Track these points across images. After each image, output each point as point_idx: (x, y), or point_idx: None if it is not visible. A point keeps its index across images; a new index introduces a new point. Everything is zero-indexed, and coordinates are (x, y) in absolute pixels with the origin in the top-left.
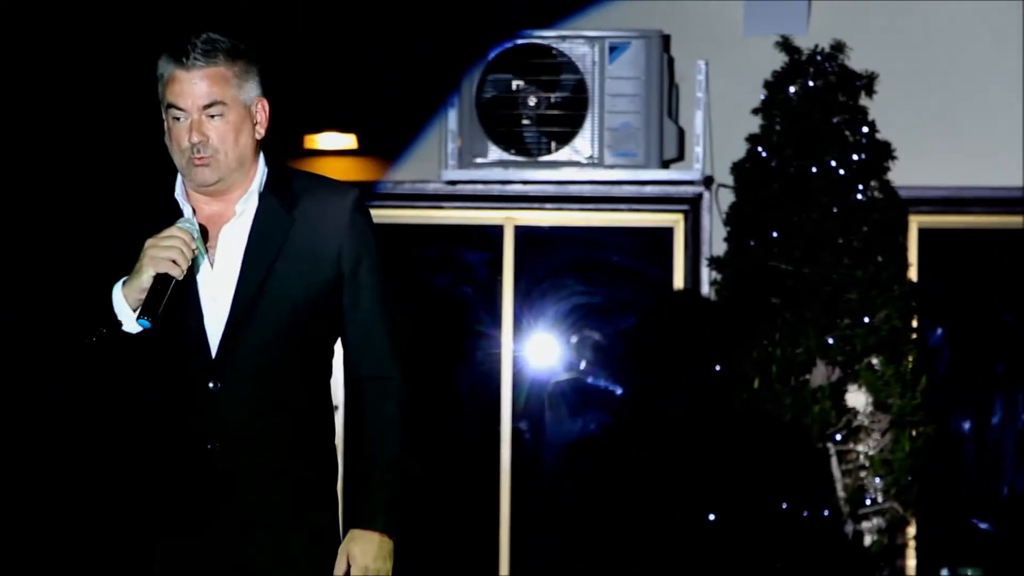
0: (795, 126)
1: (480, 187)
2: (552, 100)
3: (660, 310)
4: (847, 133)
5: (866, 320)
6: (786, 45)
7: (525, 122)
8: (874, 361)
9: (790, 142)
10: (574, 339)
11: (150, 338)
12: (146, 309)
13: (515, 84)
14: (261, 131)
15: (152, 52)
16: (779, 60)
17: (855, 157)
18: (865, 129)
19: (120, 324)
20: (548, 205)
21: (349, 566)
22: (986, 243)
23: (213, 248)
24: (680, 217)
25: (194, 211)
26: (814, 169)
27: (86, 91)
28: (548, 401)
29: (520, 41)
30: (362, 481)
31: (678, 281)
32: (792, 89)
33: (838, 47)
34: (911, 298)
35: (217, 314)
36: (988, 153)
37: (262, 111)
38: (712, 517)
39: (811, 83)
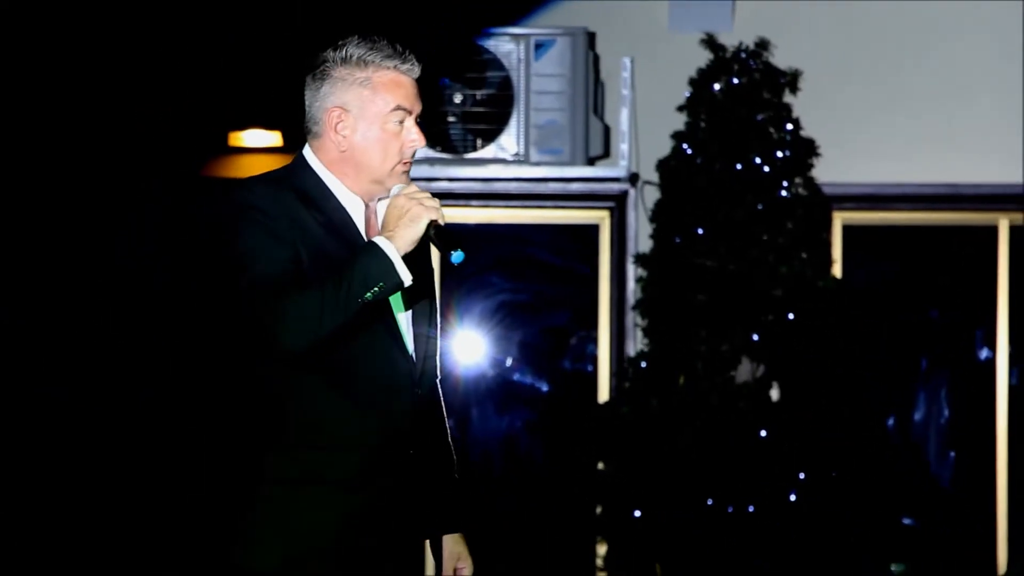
0: (720, 123)
1: None
2: (478, 97)
3: (586, 306)
4: (772, 130)
5: (791, 316)
6: (711, 43)
7: (451, 119)
8: None
9: (715, 139)
10: (501, 336)
11: (369, 341)
12: (452, 244)
13: (441, 82)
14: None
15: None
16: (704, 57)
17: (780, 154)
18: (789, 126)
19: (398, 277)
20: (474, 202)
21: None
22: (910, 239)
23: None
24: (606, 214)
25: (366, 217)
26: (739, 166)
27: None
28: (475, 398)
29: (446, 38)
30: (449, 485)
31: (604, 278)
32: (717, 86)
33: (763, 45)
34: (836, 294)
35: (407, 323)
36: (911, 150)
37: None
38: (638, 513)
39: (736, 80)
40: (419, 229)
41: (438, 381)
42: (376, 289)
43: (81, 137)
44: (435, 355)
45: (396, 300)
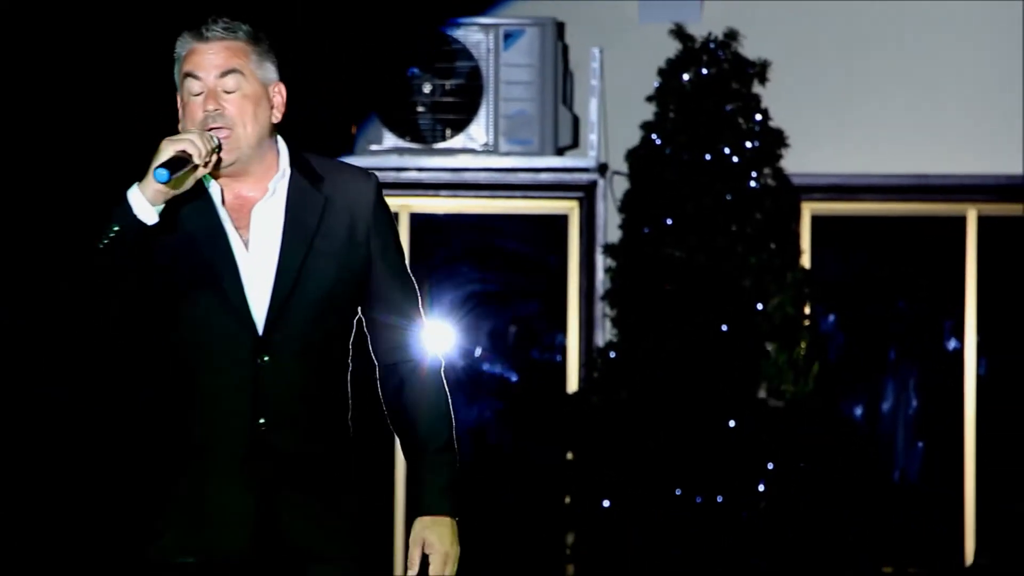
0: (689, 114)
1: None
2: (447, 87)
3: (555, 297)
4: (740, 121)
5: (759, 307)
6: (680, 33)
7: (420, 109)
8: (768, 348)
9: (684, 130)
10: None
11: (193, 313)
12: (165, 164)
13: (410, 72)
14: (278, 115)
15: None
16: (673, 48)
17: (748, 145)
18: (758, 117)
19: (136, 219)
20: (443, 192)
21: (424, 555)
22: (877, 230)
23: (246, 229)
24: (575, 204)
25: (221, 191)
26: (708, 156)
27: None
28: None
29: (415, 29)
30: (420, 467)
31: (573, 268)
32: (686, 77)
33: (731, 35)
34: (804, 285)
35: (259, 290)
36: (878, 140)
37: (279, 95)
38: (607, 503)
39: (705, 71)
40: (157, 163)
41: (404, 361)
42: (112, 232)
43: (67, 135)
44: (324, 319)
45: (232, 261)
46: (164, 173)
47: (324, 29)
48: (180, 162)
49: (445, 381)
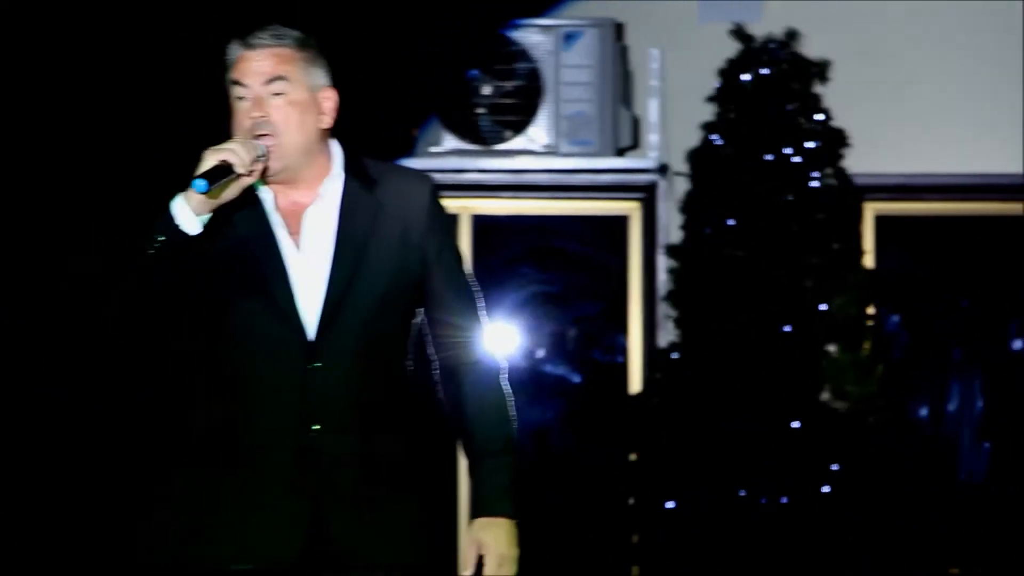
0: (750, 114)
1: (435, 176)
2: (507, 89)
3: (616, 298)
4: (801, 121)
5: (822, 308)
6: (740, 33)
7: (480, 111)
8: (831, 349)
9: (745, 130)
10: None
11: (242, 319)
12: (204, 175)
13: (470, 74)
14: (328, 121)
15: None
16: (733, 48)
17: (810, 145)
18: (819, 117)
19: (179, 230)
20: (504, 194)
21: (480, 556)
22: (942, 229)
23: (298, 234)
24: (636, 205)
25: (275, 197)
26: (769, 157)
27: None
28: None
29: (475, 31)
30: (479, 467)
31: (634, 269)
32: (746, 77)
33: (792, 35)
34: (867, 285)
35: (311, 295)
36: (942, 140)
37: (329, 100)
38: (671, 505)
39: (765, 71)
40: (198, 173)
41: (464, 362)
42: (159, 242)
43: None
44: (374, 324)
45: (282, 266)
46: (203, 184)
47: (384, 32)
48: (221, 172)
49: (507, 383)
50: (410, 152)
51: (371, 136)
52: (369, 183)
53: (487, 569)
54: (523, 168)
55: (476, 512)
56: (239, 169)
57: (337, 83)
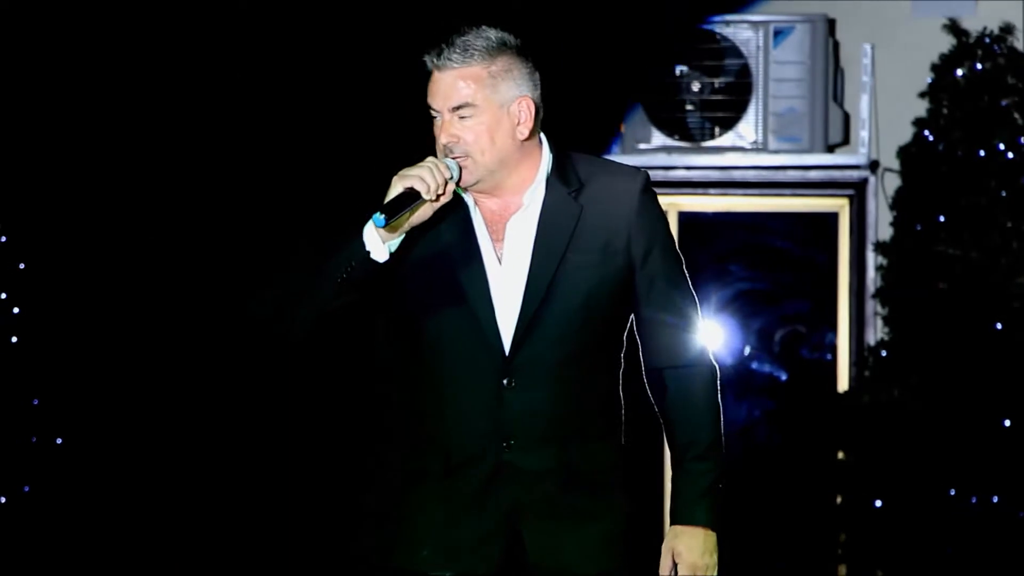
0: (963, 109)
1: None
2: (716, 85)
3: (825, 295)
4: (1016, 116)
5: None
6: (954, 28)
7: (689, 108)
8: None
9: (957, 125)
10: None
11: (440, 331)
12: (384, 208)
13: (679, 70)
14: (524, 131)
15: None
16: (946, 43)
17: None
18: None
19: (368, 256)
20: (712, 191)
21: (675, 564)
22: None
23: (501, 242)
24: (845, 202)
25: (476, 203)
26: (982, 152)
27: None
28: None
29: (684, 26)
30: (679, 473)
31: (843, 266)
32: (960, 72)
33: (1007, 29)
34: None
35: (508, 309)
36: None
37: (525, 110)
38: (879, 504)
39: (979, 66)
40: (386, 199)
41: (676, 366)
42: (349, 267)
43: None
44: (557, 338)
45: (483, 277)
46: (381, 219)
47: (592, 28)
48: (406, 199)
49: (717, 388)
50: (617, 149)
51: (578, 132)
52: (575, 187)
53: None
54: (731, 165)
55: (673, 519)
56: (426, 196)
57: (544, 78)
